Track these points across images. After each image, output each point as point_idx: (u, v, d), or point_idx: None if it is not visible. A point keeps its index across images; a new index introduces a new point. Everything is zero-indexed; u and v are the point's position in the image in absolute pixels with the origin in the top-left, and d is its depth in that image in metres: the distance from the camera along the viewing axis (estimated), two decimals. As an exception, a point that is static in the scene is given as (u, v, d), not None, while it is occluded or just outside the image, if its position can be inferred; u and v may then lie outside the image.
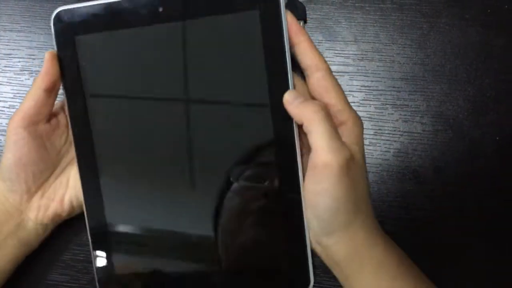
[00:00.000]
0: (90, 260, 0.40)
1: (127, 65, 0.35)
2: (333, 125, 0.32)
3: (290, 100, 0.32)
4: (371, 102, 0.40)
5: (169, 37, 0.34)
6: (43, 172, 0.36)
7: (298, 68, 0.34)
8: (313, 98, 0.34)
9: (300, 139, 0.33)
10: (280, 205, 0.34)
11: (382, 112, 0.40)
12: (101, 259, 0.36)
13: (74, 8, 0.34)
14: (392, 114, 0.40)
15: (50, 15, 0.35)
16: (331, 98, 0.33)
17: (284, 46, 0.33)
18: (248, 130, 0.34)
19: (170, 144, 0.35)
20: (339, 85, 0.33)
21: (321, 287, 0.39)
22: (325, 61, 0.33)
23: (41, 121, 0.35)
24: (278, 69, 0.33)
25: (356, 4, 0.41)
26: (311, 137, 0.31)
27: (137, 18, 0.34)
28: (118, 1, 0.33)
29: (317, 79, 0.33)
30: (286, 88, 0.33)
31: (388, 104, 0.40)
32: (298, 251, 0.33)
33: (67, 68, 0.35)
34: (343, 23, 0.41)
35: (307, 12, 0.40)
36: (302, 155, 0.33)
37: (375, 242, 0.32)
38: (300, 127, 0.33)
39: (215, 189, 0.34)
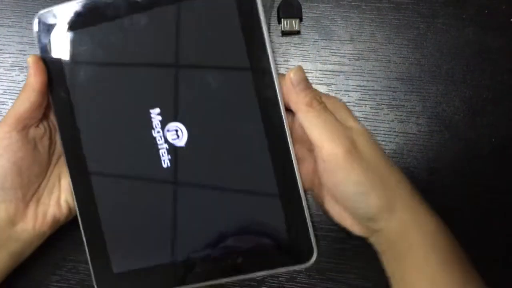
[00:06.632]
0: (79, 260, 0.40)
1: (109, 60, 0.34)
2: (328, 113, 0.31)
3: (295, 82, 0.32)
4: (366, 102, 0.40)
5: (156, 25, 0.34)
6: (38, 176, 0.35)
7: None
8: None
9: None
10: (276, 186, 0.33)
11: (377, 112, 0.40)
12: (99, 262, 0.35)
13: (53, 9, 0.34)
14: (387, 114, 0.40)
15: (42, 10, 0.35)
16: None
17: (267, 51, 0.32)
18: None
19: (144, 138, 0.34)
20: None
21: (314, 289, 0.39)
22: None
23: (33, 125, 0.34)
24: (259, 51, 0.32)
25: (353, 3, 0.40)
26: (308, 132, 0.31)
27: (116, 11, 0.34)
28: None
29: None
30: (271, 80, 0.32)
31: (383, 104, 0.40)
32: (298, 224, 0.33)
33: (52, 70, 0.35)
34: (339, 22, 0.40)
35: (303, 11, 0.40)
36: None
37: (424, 222, 0.31)
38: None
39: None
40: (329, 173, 0.31)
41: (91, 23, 0.34)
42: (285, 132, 0.32)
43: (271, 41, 0.33)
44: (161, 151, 0.34)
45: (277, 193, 0.33)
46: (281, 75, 0.33)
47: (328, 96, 0.34)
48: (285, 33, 0.40)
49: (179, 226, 0.34)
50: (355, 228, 0.33)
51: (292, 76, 0.32)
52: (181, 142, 0.34)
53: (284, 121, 0.32)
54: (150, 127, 0.34)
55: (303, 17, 0.40)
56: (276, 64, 0.33)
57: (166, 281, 0.34)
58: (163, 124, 0.34)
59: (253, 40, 0.32)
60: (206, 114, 0.34)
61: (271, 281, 0.39)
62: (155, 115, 0.34)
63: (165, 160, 0.34)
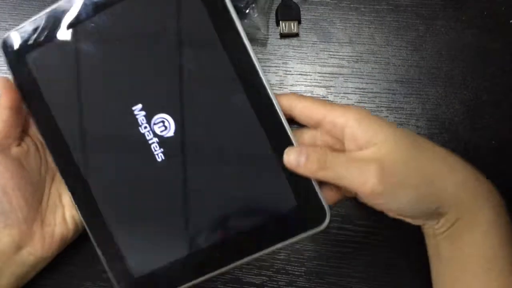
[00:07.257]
0: (76, 264, 0.40)
1: (82, 65, 0.34)
2: (340, 158, 0.31)
3: (294, 164, 0.31)
4: (365, 105, 0.40)
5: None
6: (33, 194, 0.34)
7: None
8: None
9: None
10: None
11: (377, 115, 0.39)
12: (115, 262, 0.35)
13: (19, 28, 0.34)
14: (387, 117, 0.40)
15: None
16: (317, 113, 0.32)
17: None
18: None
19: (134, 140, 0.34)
20: (313, 98, 0.33)
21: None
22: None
23: (12, 144, 0.34)
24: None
25: (351, 5, 0.40)
26: (338, 184, 0.31)
27: (83, 14, 0.33)
28: (55, 8, 0.34)
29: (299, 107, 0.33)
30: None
31: (383, 106, 0.40)
32: (304, 188, 0.32)
33: (27, 89, 0.34)
34: (338, 24, 0.40)
35: (301, 13, 0.40)
36: None
37: (483, 204, 0.32)
38: None
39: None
40: (375, 204, 0.31)
41: (58, 32, 0.34)
42: (270, 98, 0.32)
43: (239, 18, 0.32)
44: (152, 146, 0.34)
45: (276, 162, 0.32)
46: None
47: (348, 108, 0.31)
48: (283, 36, 0.40)
49: (189, 215, 0.34)
50: (416, 222, 0.33)
51: (290, 161, 0.31)
52: (170, 132, 0.34)
53: (268, 88, 0.32)
54: (137, 124, 0.34)
55: (302, 19, 0.40)
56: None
57: (188, 272, 0.34)
58: (148, 118, 0.34)
59: (219, 17, 0.32)
60: (188, 99, 0.33)
61: (271, 285, 0.39)
62: (138, 111, 0.34)
63: (159, 154, 0.34)
